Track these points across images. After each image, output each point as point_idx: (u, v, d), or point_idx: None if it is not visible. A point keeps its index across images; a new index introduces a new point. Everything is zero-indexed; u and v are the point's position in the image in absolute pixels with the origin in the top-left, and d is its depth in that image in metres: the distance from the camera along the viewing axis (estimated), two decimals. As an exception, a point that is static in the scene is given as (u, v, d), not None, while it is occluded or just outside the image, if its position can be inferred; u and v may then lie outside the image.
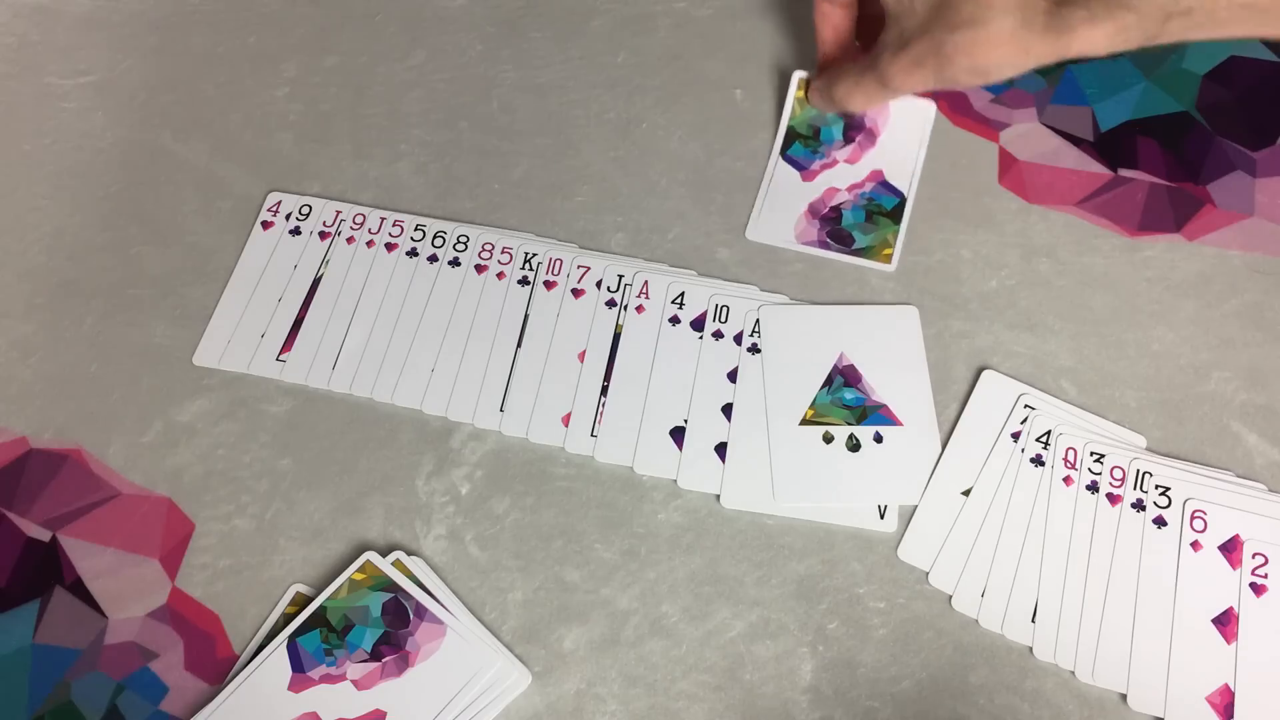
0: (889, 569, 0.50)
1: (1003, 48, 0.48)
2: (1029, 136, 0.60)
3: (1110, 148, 0.59)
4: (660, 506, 0.52)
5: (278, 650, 0.47)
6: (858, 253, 0.57)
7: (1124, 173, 0.59)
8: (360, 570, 0.49)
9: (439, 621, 0.48)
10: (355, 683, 0.47)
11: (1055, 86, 0.62)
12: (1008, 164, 0.59)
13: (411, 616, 0.48)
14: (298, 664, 0.47)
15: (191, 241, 0.60)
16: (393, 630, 0.48)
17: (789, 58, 0.64)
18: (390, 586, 0.49)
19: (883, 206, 0.58)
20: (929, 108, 0.60)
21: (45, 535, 0.52)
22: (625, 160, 0.61)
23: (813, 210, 0.58)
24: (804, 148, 0.60)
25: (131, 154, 0.63)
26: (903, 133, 0.59)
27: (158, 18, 0.68)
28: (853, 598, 0.49)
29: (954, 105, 0.61)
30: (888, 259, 0.57)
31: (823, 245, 0.57)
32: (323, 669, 0.47)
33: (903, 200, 0.58)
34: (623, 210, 0.59)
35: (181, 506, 0.52)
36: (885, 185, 0.59)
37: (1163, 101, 0.61)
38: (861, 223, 0.58)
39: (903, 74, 0.52)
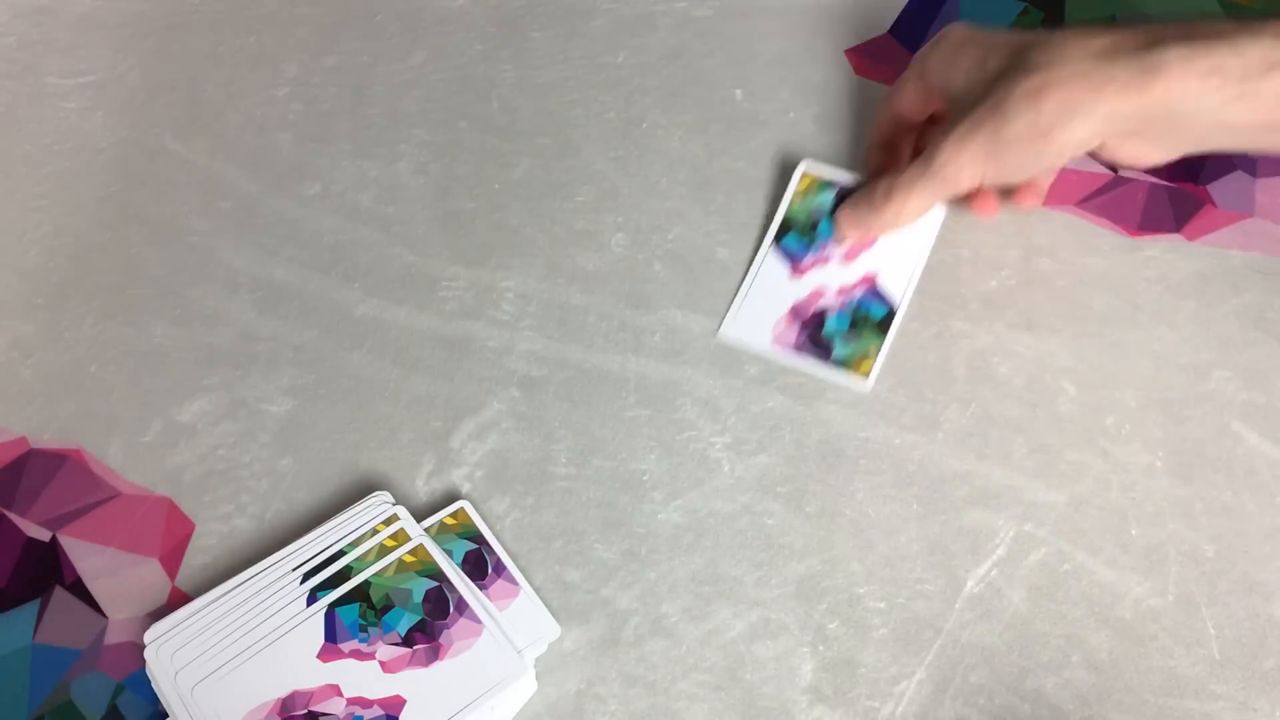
0: (889, 569, 0.50)
1: (1070, 88, 0.43)
2: (1029, 136, 0.60)
3: (1110, 148, 0.59)
4: (660, 506, 0.52)
5: (315, 615, 0.48)
6: (835, 363, 0.54)
7: (1124, 173, 0.59)
8: (411, 553, 0.49)
9: (477, 620, 0.48)
10: (383, 664, 0.47)
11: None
12: (1008, 164, 0.59)
13: (451, 609, 0.48)
14: (331, 633, 0.47)
15: (191, 241, 0.60)
16: (431, 619, 0.48)
17: (789, 58, 0.64)
18: (437, 575, 0.49)
19: (870, 317, 0.55)
20: (938, 210, 0.55)
21: (45, 535, 0.52)
22: (625, 160, 0.61)
23: (796, 312, 0.55)
24: (799, 238, 0.56)
25: (131, 154, 0.63)
26: (906, 233, 0.55)
27: (158, 18, 0.68)
28: (853, 598, 0.49)
29: (954, 105, 0.61)
30: (865, 373, 0.53)
31: (799, 349, 0.54)
32: (354, 643, 0.47)
33: (892, 312, 0.54)
34: (623, 210, 0.59)
35: (181, 506, 0.52)
36: (876, 293, 0.55)
37: (1163, 101, 0.61)
38: (844, 331, 0.54)
39: (954, 146, 0.47)
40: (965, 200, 0.54)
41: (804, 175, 0.58)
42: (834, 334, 0.54)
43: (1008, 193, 0.55)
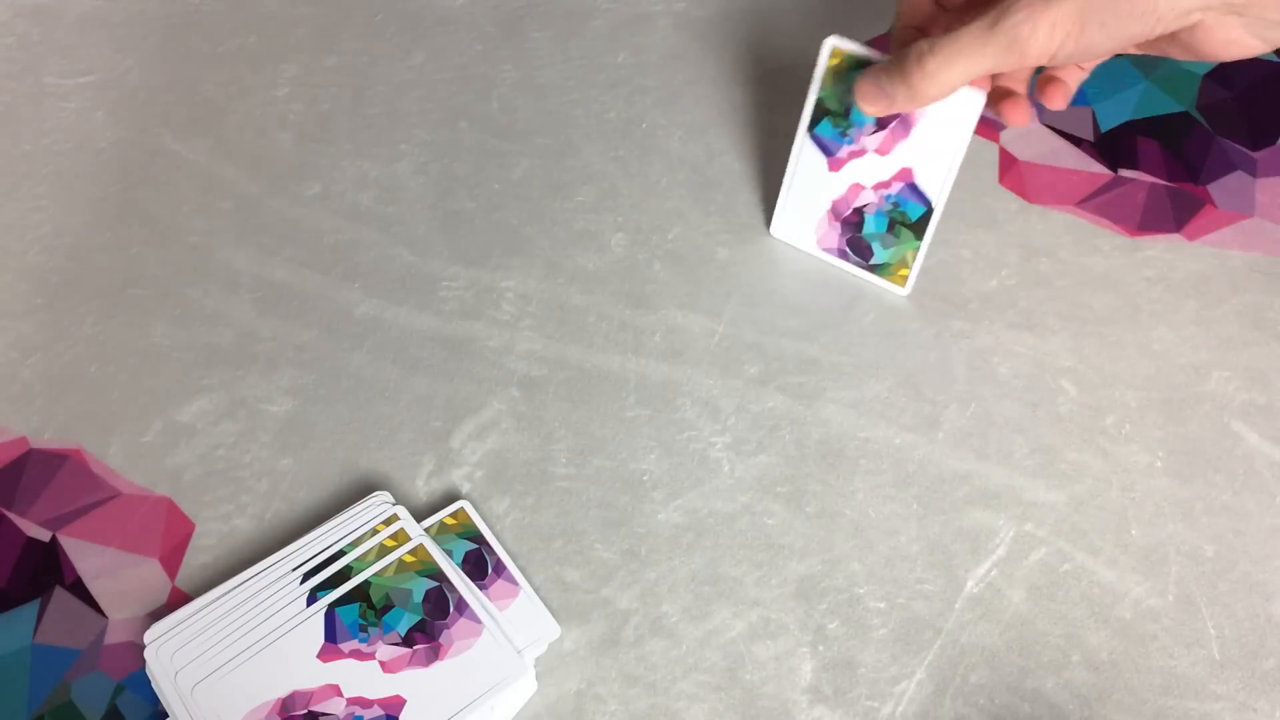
0: (889, 569, 0.50)
1: None
2: (1029, 136, 0.60)
3: (1110, 148, 0.59)
4: (660, 506, 0.52)
5: (315, 616, 0.48)
6: (873, 268, 0.55)
7: (1124, 173, 0.59)
8: (411, 553, 0.49)
9: (477, 620, 0.48)
10: (383, 664, 0.47)
11: (1055, 86, 0.61)
12: (1008, 164, 0.59)
13: (451, 609, 0.48)
14: (331, 633, 0.47)
15: (191, 241, 0.60)
16: (431, 619, 0.48)
17: (789, 58, 0.64)
18: (437, 575, 0.49)
19: (907, 216, 0.53)
20: (976, 96, 0.49)
21: (45, 535, 0.52)
22: (625, 160, 0.61)
23: (836, 211, 0.55)
24: (833, 127, 0.53)
25: (131, 154, 0.63)
26: (941, 124, 0.50)
27: (158, 18, 0.68)
28: (853, 598, 0.49)
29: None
30: (902, 281, 0.54)
31: (841, 255, 0.55)
32: (354, 643, 0.47)
33: (929, 211, 0.53)
34: (623, 210, 0.59)
35: (181, 506, 0.52)
36: (913, 189, 0.53)
37: (1163, 102, 0.61)
38: (882, 233, 0.54)
39: (1037, 2, 0.41)
40: (995, 105, 0.49)
41: (834, 51, 0.50)
42: (873, 236, 0.54)
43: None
